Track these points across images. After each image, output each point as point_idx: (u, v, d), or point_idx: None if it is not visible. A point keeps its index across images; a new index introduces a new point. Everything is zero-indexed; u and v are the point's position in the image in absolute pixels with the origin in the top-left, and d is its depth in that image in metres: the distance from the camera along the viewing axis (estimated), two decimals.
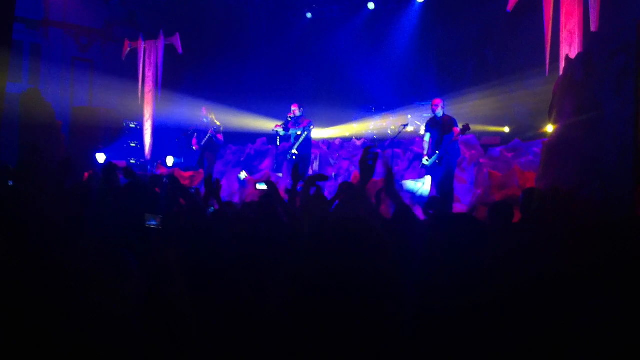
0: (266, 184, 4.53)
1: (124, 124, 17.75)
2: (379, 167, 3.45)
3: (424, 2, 17.30)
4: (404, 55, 18.30)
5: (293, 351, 1.73)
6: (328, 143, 16.38)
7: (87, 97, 18.57)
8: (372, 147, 3.65)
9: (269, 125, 14.85)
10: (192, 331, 2.28)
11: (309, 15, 19.52)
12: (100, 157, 15.03)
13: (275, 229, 3.86)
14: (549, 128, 9.37)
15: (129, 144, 17.56)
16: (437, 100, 10.75)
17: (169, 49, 16.78)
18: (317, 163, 15.04)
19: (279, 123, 13.30)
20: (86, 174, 11.60)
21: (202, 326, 2.31)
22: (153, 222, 4.20)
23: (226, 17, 18.97)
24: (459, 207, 11.00)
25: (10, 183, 5.83)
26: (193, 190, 7.67)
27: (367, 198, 3.51)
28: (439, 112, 10.64)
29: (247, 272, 2.64)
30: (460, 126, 10.14)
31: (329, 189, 14.55)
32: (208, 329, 2.34)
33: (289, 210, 4.06)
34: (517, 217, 5.80)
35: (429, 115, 11.72)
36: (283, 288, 1.95)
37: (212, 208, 5.93)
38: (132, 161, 16.82)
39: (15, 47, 14.30)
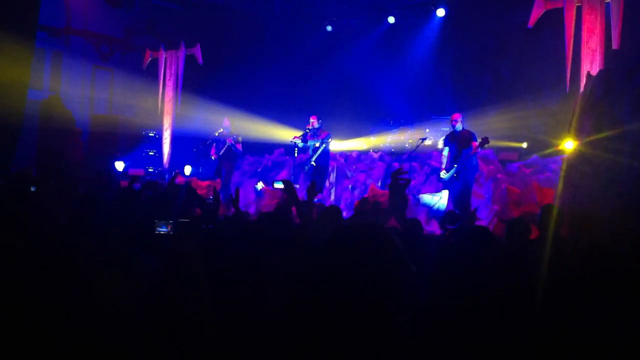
0: (283, 183, 4.50)
1: (143, 133, 17.87)
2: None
3: (443, 16, 17.26)
4: (422, 70, 18.26)
5: (297, 352, 1.72)
6: (345, 155, 16.36)
7: (106, 105, 18.70)
8: (401, 171, 3.30)
9: (286, 135, 14.84)
10: (196, 332, 2.27)
11: (329, 28, 19.55)
12: (119, 165, 15.12)
13: (288, 234, 3.86)
14: (567, 145, 9.30)
15: (147, 152, 17.67)
16: (456, 115, 10.75)
17: (189, 59, 16.88)
18: (334, 175, 15.03)
19: (297, 134, 13.31)
20: None
21: (208, 327, 2.31)
22: (164, 228, 4.24)
23: (244, 28, 19.04)
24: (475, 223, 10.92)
25: (33, 189, 5.90)
26: (210, 200, 7.71)
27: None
28: (458, 126, 10.65)
29: (255, 274, 2.64)
30: (479, 140, 10.12)
31: (344, 202, 14.58)
32: (214, 330, 2.34)
33: (303, 212, 4.02)
34: (534, 233, 5.76)
35: (447, 129, 11.71)
36: (289, 291, 1.95)
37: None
38: (149, 169, 16.92)
39: (37, 55, 14.46)
